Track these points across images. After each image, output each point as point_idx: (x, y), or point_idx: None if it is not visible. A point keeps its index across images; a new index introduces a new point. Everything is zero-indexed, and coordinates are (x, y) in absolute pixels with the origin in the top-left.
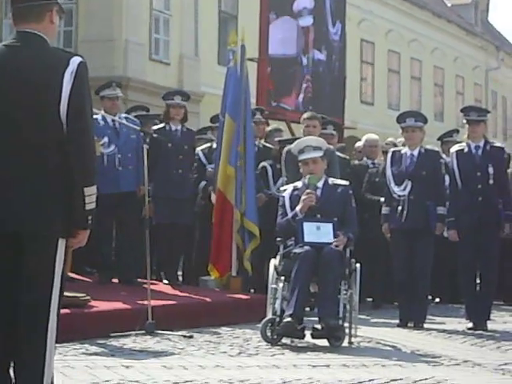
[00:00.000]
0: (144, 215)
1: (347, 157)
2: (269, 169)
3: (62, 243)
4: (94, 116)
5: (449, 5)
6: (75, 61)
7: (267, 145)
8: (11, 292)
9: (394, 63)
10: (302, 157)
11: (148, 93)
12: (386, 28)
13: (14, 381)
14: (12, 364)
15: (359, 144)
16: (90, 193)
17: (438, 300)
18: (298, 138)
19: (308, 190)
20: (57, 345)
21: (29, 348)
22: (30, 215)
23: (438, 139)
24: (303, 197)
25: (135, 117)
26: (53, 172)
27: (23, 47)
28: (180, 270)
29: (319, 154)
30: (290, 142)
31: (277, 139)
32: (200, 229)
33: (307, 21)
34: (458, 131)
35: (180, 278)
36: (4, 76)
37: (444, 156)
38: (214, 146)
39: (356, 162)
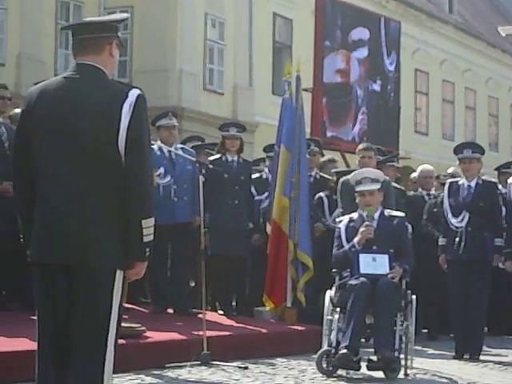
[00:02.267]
0: (200, 246)
1: (403, 188)
2: (325, 200)
3: (119, 275)
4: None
5: (503, 34)
6: (134, 93)
7: (324, 175)
8: (68, 324)
9: (449, 93)
10: (359, 188)
11: (202, 123)
12: (441, 58)
13: None
14: None
15: (414, 175)
16: (148, 225)
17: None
18: (355, 170)
19: (366, 223)
20: (113, 375)
21: (86, 379)
22: (83, 247)
23: (496, 169)
24: (361, 229)
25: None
26: (110, 204)
27: (82, 79)
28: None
29: (377, 186)
30: (347, 173)
31: (333, 170)
32: (253, 259)
33: (363, 53)
34: None
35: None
36: (62, 107)
37: (500, 187)
38: (264, 176)
39: (411, 192)
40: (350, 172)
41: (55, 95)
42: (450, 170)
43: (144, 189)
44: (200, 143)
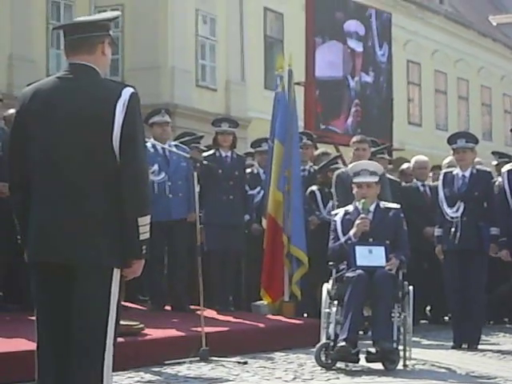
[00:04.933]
0: (196, 242)
1: (398, 179)
2: (317, 193)
3: (117, 273)
4: None
5: (494, 24)
6: (127, 91)
7: (316, 168)
8: (67, 323)
9: (441, 83)
10: (356, 179)
11: (195, 119)
12: (432, 48)
13: None
14: None
15: (407, 166)
16: (144, 223)
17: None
18: (336, 158)
19: (362, 215)
20: (112, 373)
21: (86, 377)
22: (81, 246)
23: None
24: (357, 221)
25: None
26: (106, 202)
27: (75, 79)
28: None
29: (375, 179)
30: (331, 164)
31: (318, 167)
32: (249, 254)
33: (356, 45)
34: None
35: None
36: (56, 108)
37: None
38: (255, 171)
39: (405, 183)
40: (331, 163)
41: (49, 95)
42: (446, 160)
43: (140, 187)
44: (187, 138)
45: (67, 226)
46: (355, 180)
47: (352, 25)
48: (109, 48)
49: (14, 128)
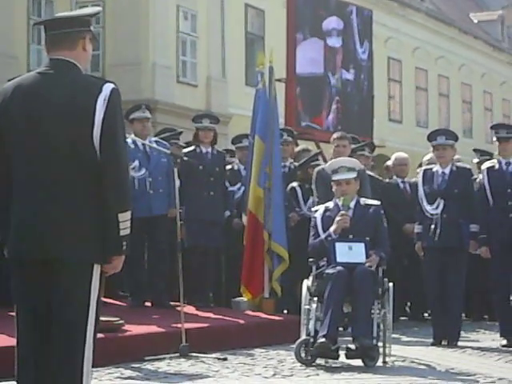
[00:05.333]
0: (176, 238)
1: (379, 176)
2: (298, 189)
3: (97, 269)
4: None
5: (475, 21)
6: (108, 87)
7: (297, 165)
8: (46, 319)
9: (422, 80)
10: (335, 177)
11: (176, 115)
12: (413, 46)
13: None
14: None
15: (389, 163)
16: (125, 219)
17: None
18: (317, 154)
19: (342, 212)
20: (92, 369)
21: (66, 373)
22: (61, 242)
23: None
24: (337, 218)
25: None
26: (86, 198)
27: (56, 74)
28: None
29: (353, 175)
30: (311, 161)
31: (298, 164)
32: (229, 250)
33: (336, 41)
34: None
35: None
36: (37, 103)
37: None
38: (236, 167)
39: (386, 180)
40: (311, 160)
41: (29, 91)
42: (427, 157)
43: (120, 183)
44: (166, 134)
45: (47, 222)
46: (334, 178)
47: (332, 21)
48: (90, 44)
49: None
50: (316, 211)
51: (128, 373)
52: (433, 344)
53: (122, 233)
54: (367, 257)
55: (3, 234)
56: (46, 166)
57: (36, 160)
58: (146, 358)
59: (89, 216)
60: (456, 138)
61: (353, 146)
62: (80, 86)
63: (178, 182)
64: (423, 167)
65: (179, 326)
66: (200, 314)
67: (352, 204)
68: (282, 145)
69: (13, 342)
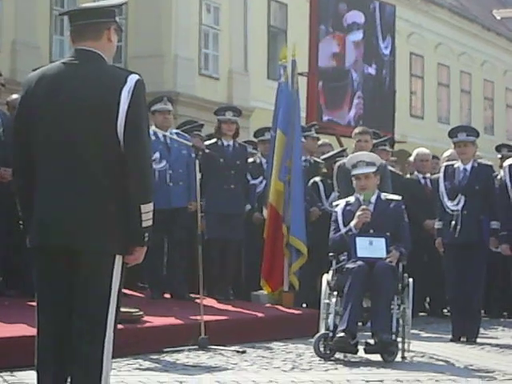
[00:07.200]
0: (196, 230)
1: (400, 172)
2: (320, 184)
3: (118, 260)
4: None
5: (498, 18)
6: (132, 78)
7: (318, 160)
8: (67, 308)
9: (444, 77)
10: (354, 172)
11: (197, 108)
12: (436, 41)
13: None
14: (69, 379)
15: (411, 158)
16: (147, 210)
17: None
18: (343, 151)
19: (363, 206)
20: (111, 360)
21: (86, 364)
22: (84, 231)
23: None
24: (358, 213)
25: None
26: (109, 189)
27: (81, 65)
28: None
29: (372, 169)
30: (337, 156)
31: (322, 157)
32: (249, 243)
33: (357, 36)
34: None
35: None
36: (62, 93)
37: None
38: (258, 160)
39: (407, 176)
40: (337, 155)
41: (54, 81)
42: (446, 154)
43: (143, 174)
44: (188, 126)
45: (70, 211)
46: (353, 172)
47: (354, 15)
48: (115, 34)
49: (19, 113)
50: (337, 205)
51: (147, 364)
52: (452, 340)
53: (144, 224)
54: (388, 252)
55: (26, 223)
56: (71, 157)
57: (61, 150)
58: (165, 350)
59: (112, 207)
60: (477, 135)
61: (374, 141)
62: (105, 77)
63: (199, 175)
64: (444, 163)
65: (198, 318)
66: (219, 306)
67: (373, 199)
68: (305, 139)
69: (33, 331)
